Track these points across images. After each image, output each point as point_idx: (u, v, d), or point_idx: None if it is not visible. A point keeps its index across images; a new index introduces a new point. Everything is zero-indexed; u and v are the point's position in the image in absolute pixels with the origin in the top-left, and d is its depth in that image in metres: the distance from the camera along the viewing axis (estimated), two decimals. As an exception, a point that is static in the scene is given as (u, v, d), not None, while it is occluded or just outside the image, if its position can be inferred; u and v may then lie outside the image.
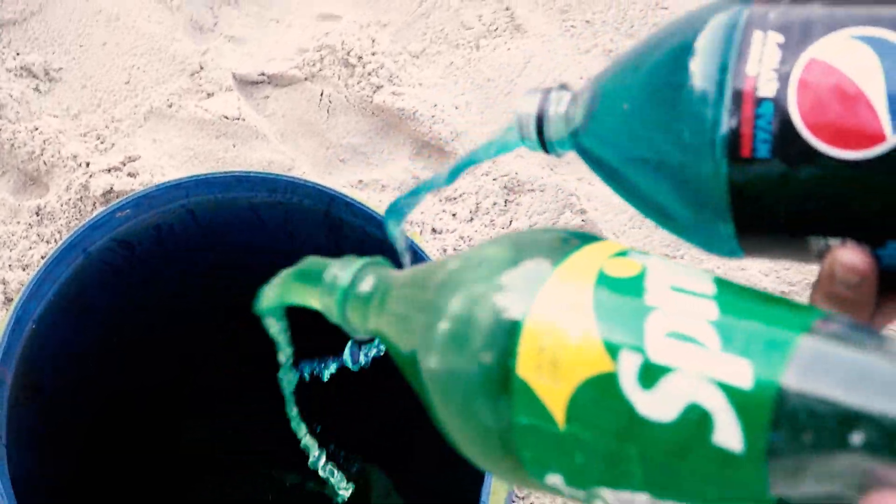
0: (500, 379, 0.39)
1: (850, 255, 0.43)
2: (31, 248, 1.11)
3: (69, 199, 1.13)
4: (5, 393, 0.87)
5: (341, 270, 0.50)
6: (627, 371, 0.36)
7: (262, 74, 1.30)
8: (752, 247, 0.47)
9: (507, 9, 1.39)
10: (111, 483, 1.11)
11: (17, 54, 1.27)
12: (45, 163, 1.16)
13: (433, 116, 1.25)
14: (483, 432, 0.41)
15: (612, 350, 0.37)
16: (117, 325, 1.03)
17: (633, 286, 0.38)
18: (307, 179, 0.98)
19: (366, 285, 0.49)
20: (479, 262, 0.42)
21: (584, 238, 0.42)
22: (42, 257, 1.11)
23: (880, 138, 0.40)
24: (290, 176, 0.98)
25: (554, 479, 0.40)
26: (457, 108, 1.28)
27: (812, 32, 0.42)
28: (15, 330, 0.88)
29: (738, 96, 0.42)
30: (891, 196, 0.42)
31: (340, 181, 1.17)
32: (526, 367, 0.38)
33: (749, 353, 0.35)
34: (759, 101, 0.42)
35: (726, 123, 0.42)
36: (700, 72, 0.44)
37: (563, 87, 0.51)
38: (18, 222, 1.13)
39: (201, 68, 1.26)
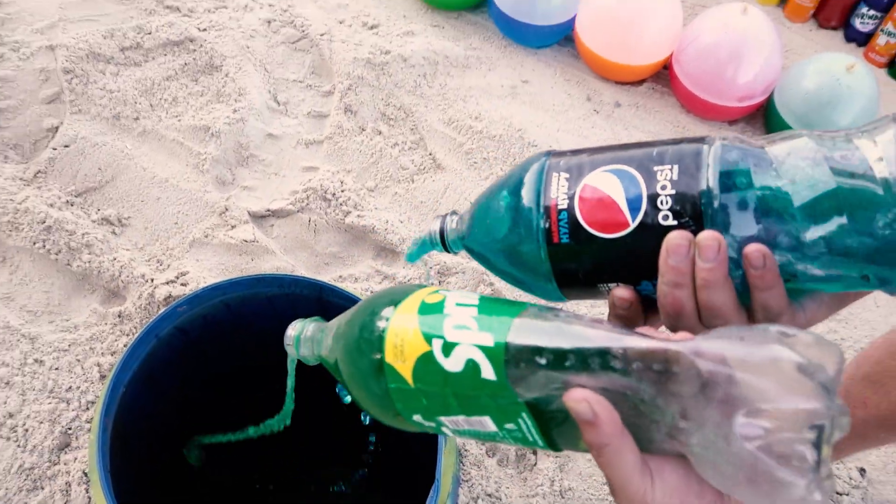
0: (379, 366, 0.49)
1: (620, 292, 0.52)
2: (116, 340, 1.14)
3: (141, 305, 1.16)
4: (107, 437, 0.88)
5: (291, 329, 0.63)
6: (436, 348, 0.47)
7: (268, 210, 1.34)
8: (570, 294, 0.55)
9: (430, 154, 1.45)
10: None
11: (98, 210, 1.28)
12: (122, 282, 1.20)
13: (386, 229, 1.30)
14: (376, 397, 0.51)
15: (428, 339, 0.47)
16: (177, 390, 1.03)
17: (438, 306, 0.49)
18: (304, 276, 0.98)
19: (307, 332, 0.62)
20: (365, 307, 0.52)
21: (418, 287, 0.53)
22: (125, 345, 1.11)
23: (626, 225, 0.49)
24: (293, 275, 1.01)
25: (417, 417, 0.50)
26: (401, 222, 1.34)
27: (583, 171, 0.51)
28: (112, 392, 0.91)
29: (547, 209, 0.52)
30: (636, 257, 0.49)
31: (326, 277, 1.22)
32: (389, 357, 0.49)
33: (491, 329, 0.45)
34: (560, 211, 0.51)
35: (543, 224, 0.52)
36: (526, 198, 0.53)
37: (454, 212, 0.62)
38: (106, 323, 1.16)
39: (226, 210, 1.30)
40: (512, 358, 0.44)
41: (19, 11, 1.54)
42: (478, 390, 0.45)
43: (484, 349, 0.44)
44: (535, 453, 1.12)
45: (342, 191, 1.35)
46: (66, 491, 0.99)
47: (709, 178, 0.46)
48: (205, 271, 1.23)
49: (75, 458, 1.02)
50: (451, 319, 0.47)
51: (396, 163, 1.43)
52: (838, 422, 0.37)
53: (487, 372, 0.44)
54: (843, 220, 0.43)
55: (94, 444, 0.82)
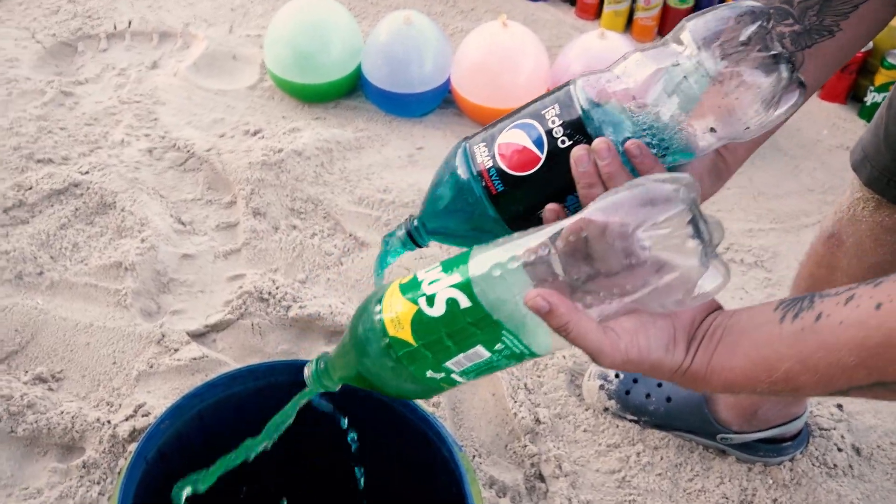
0: (387, 344, 0.64)
1: (549, 206, 0.67)
2: (87, 490, 1.18)
3: (104, 449, 1.20)
4: None
5: (307, 369, 0.77)
6: (422, 304, 0.62)
7: (207, 326, 1.42)
8: (518, 228, 0.68)
9: (351, 235, 1.54)
10: None
11: (27, 371, 1.32)
12: (76, 432, 1.23)
13: (332, 313, 1.39)
14: (392, 373, 0.66)
15: (414, 301, 0.63)
16: None
17: (412, 280, 0.64)
18: (279, 360, 1.00)
19: (320, 366, 0.76)
20: (357, 316, 0.68)
21: (389, 283, 0.68)
22: (100, 493, 1.12)
23: (539, 159, 0.67)
24: (267, 362, 1.03)
25: (429, 373, 0.65)
26: (343, 303, 1.43)
27: (494, 136, 0.70)
28: None
29: (480, 173, 0.70)
30: (555, 179, 0.67)
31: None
32: (391, 330, 0.64)
33: (456, 271, 0.61)
34: (489, 169, 0.69)
35: (481, 184, 0.70)
36: (462, 173, 0.71)
37: (411, 216, 0.78)
38: (71, 478, 1.18)
39: (163, 336, 1.37)
40: (477, 280, 0.59)
41: None
42: (462, 321, 0.60)
43: (456, 286, 0.60)
44: (543, 481, 1.19)
45: (276, 288, 1.41)
46: None
47: (581, 104, 0.65)
48: (160, 399, 1.27)
49: None
50: (425, 282, 0.62)
51: (320, 251, 1.52)
52: (713, 224, 0.56)
53: (464, 301, 0.60)
54: (674, 99, 0.63)
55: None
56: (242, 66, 2.01)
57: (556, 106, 0.66)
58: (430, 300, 0.61)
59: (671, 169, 0.67)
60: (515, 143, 0.67)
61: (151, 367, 1.31)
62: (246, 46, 2.05)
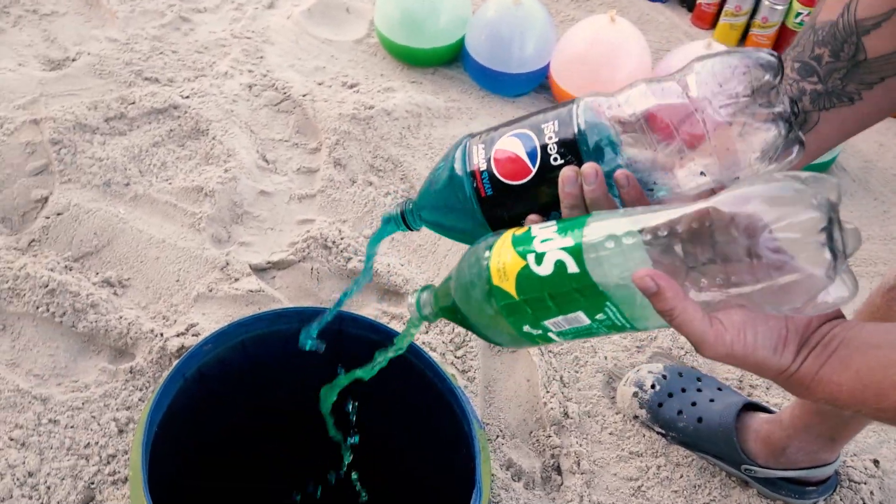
0: (489, 291, 0.64)
1: (532, 217, 0.68)
2: (129, 395, 1.21)
3: (152, 359, 1.24)
4: (146, 472, 0.90)
5: (411, 298, 0.77)
6: (531, 261, 0.61)
7: (269, 263, 1.43)
8: None
9: None
10: None
11: (97, 273, 1.35)
12: (130, 339, 1.28)
13: (389, 272, 1.39)
14: (491, 320, 0.66)
15: (523, 255, 0.62)
16: (200, 427, 1.07)
17: (525, 234, 0.63)
18: (325, 307, 1.01)
19: (423, 297, 0.76)
20: (467, 256, 0.68)
21: (503, 231, 0.68)
22: (140, 399, 1.16)
23: (529, 171, 0.68)
24: (313, 307, 1.05)
25: (526, 328, 0.64)
26: (402, 265, 1.43)
27: (494, 140, 0.71)
28: (149, 431, 0.96)
29: (473, 173, 0.71)
30: (542, 193, 0.68)
31: (335, 321, 1.26)
32: (496, 279, 0.63)
33: (570, 234, 0.60)
34: (482, 172, 0.70)
35: (472, 184, 0.71)
36: (458, 169, 0.72)
37: (409, 199, 0.80)
38: (117, 380, 1.22)
39: (227, 264, 1.39)
40: (589, 247, 0.58)
41: None
42: (567, 285, 0.59)
43: (566, 249, 0.59)
44: (559, 474, 1.19)
45: (341, 238, 1.43)
46: (96, 543, 1.03)
47: (579, 125, 0.65)
48: (213, 323, 1.30)
49: (102, 511, 1.06)
50: (537, 238, 0.62)
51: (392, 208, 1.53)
52: (850, 233, 0.53)
53: (572, 266, 0.58)
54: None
55: (139, 479, 0.87)
56: (353, 20, 2.02)
57: (556, 122, 0.66)
58: (539, 258, 0.60)
59: (656, 202, 0.65)
60: (511, 151, 0.68)
61: (210, 290, 1.35)
62: (361, 0, 2.07)
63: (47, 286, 1.29)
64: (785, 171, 0.54)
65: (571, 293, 0.59)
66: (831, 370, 0.56)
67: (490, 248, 0.65)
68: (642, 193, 0.63)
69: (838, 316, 0.60)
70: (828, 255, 0.50)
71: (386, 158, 1.62)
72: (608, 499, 1.16)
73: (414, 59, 1.87)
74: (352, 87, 1.79)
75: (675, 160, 0.62)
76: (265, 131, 1.68)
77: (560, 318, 0.61)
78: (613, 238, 0.57)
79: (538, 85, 1.86)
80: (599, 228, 0.58)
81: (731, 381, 1.31)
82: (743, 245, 0.51)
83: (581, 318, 0.60)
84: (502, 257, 0.63)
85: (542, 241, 0.61)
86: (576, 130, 0.65)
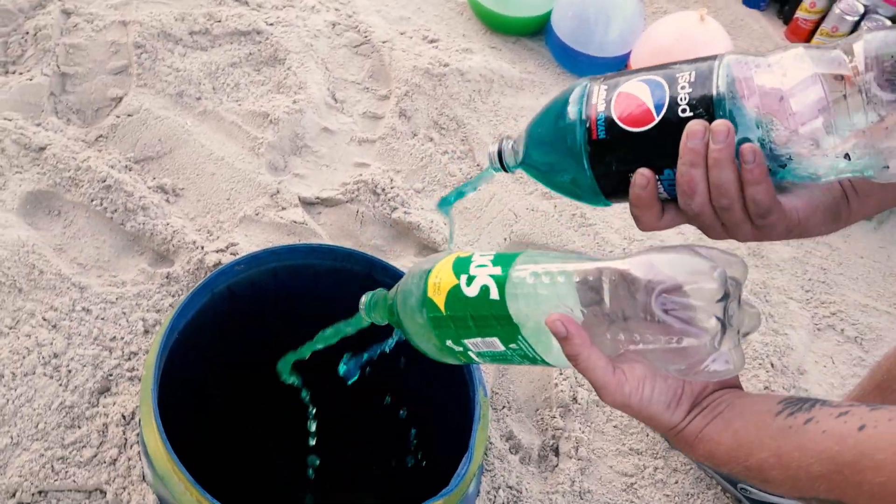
0: (423, 300, 0.67)
1: (642, 170, 0.61)
2: (162, 299, 1.21)
3: (189, 269, 1.24)
4: (159, 376, 0.91)
5: (365, 297, 0.80)
6: (462, 281, 0.64)
7: (318, 198, 1.42)
8: (605, 186, 0.65)
9: (479, 165, 1.52)
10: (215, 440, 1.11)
11: (154, 178, 1.36)
12: (173, 246, 1.27)
13: (431, 228, 1.37)
14: (421, 329, 0.68)
15: (457, 275, 0.65)
16: (223, 339, 1.07)
17: (467, 258, 0.66)
18: (358, 250, 1.00)
19: (375, 298, 0.78)
20: (414, 268, 0.70)
21: (452, 252, 0.70)
22: (171, 305, 1.18)
23: (652, 119, 0.60)
24: (347, 248, 1.04)
25: (449, 342, 0.66)
26: (445, 224, 1.40)
27: (619, 83, 0.63)
28: (168, 337, 0.96)
29: (588, 114, 0.63)
30: (660, 146, 0.60)
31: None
32: (430, 292, 0.66)
33: (500, 265, 0.63)
34: (598, 113, 0.62)
35: (585, 125, 0.63)
36: (571, 108, 0.64)
37: (509, 137, 0.74)
38: (153, 283, 1.22)
39: (278, 192, 1.38)
40: (512, 280, 0.61)
41: (98, -14, 1.64)
42: (487, 311, 0.62)
43: (493, 277, 0.62)
44: (556, 455, 1.17)
45: (391, 187, 1.42)
46: (103, 431, 1.05)
47: (719, 82, 0.57)
48: (252, 246, 1.30)
49: (114, 403, 1.08)
50: (474, 263, 0.65)
51: (445, 169, 1.51)
52: (749, 314, 0.55)
53: (494, 294, 0.61)
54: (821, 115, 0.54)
55: (150, 379, 0.88)
56: (447, -23, 1.99)
57: (693, 74, 0.58)
58: (470, 280, 0.63)
59: (781, 189, 0.60)
60: (636, 96, 0.60)
61: (257, 214, 1.35)
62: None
63: (105, 182, 1.30)
64: (697, 246, 0.55)
65: (490, 319, 0.62)
66: (713, 429, 0.58)
67: (435, 264, 0.68)
68: (766, 174, 0.57)
69: (735, 385, 0.61)
70: (715, 325, 0.51)
71: (451, 118, 1.60)
72: (599, 489, 1.14)
73: (498, 25, 1.83)
74: (432, 41, 1.76)
75: (819, 136, 0.55)
76: (339, 70, 1.66)
77: (479, 339, 0.64)
78: (535, 276, 0.59)
79: (616, 71, 1.80)
80: (526, 266, 0.61)
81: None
82: (641, 304, 0.54)
83: (496, 344, 0.63)
84: (441, 273, 0.66)
85: (478, 266, 0.64)
86: (715, 87, 0.57)
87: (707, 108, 0.57)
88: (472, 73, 1.66)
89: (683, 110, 0.58)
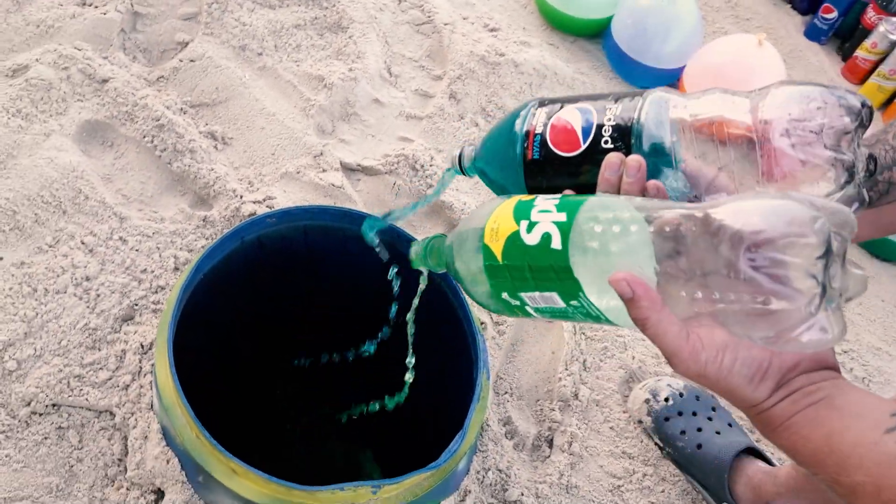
0: (479, 246, 0.61)
1: (568, 192, 0.61)
2: (196, 240, 1.22)
3: (226, 215, 1.24)
4: (179, 314, 0.91)
5: (416, 246, 0.77)
6: (522, 227, 0.57)
7: (359, 165, 1.41)
8: None
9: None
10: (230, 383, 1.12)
11: (206, 124, 1.36)
12: (214, 191, 1.28)
13: (462, 210, 1.36)
14: (474, 277, 0.63)
15: (517, 220, 0.58)
16: (248, 288, 1.08)
17: (529, 201, 0.60)
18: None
19: (432, 245, 0.75)
20: (475, 209, 0.65)
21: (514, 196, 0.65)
22: (203, 247, 1.18)
23: (578, 146, 0.64)
24: (378, 218, 1.03)
25: (505, 295, 0.60)
26: (476, 207, 1.36)
27: (558, 108, 0.67)
28: (194, 276, 0.96)
29: (527, 133, 0.67)
30: (583, 172, 0.64)
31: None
32: (487, 238, 0.60)
33: (566, 210, 0.56)
34: (536, 135, 0.66)
35: (523, 144, 0.67)
36: (517, 126, 0.68)
37: (471, 144, 0.77)
38: (190, 223, 1.23)
39: (321, 154, 1.38)
40: (577, 228, 0.53)
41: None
42: (547, 261, 0.54)
43: (557, 223, 0.55)
44: (550, 447, 1.16)
45: (430, 165, 1.41)
46: (121, 357, 1.07)
47: (640, 116, 0.60)
48: (289, 202, 1.31)
49: (135, 332, 1.09)
50: (537, 208, 0.58)
51: (485, 155, 1.50)
52: (854, 277, 0.45)
53: (556, 242, 0.54)
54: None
55: (169, 313, 0.89)
56: (517, -31, 1.97)
57: (620, 106, 0.62)
58: (531, 226, 0.56)
59: None
60: (567, 121, 0.64)
61: (298, 173, 1.35)
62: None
63: (158, 121, 1.31)
64: (798, 194, 0.46)
65: (549, 271, 0.54)
66: (804, 421, 0.50)
67: (495, 207, 0.61)
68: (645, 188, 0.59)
69: (833, 367, 0.53)
70: (814, 286, 0.43)
71: (499, 106, 1.58)
72: (586, 486, 1.13)
73: (559, 23, 1.81)
74: (492, 30, 1.74)
75: (725, 177, 0.56)
76: (399, 46, 1.66)
77: (537, 294, 0.57)
78: (609, 222, 0.51)
79: (668, 84, 1.77)
80: (598, 210, 0.53)
81: (745, 422, 1.25)
82: (725, 258, 0.45)
83: (556, 300, 0.56)
84: (500, 218, 0.59)
85: (540, 211, 0.56)
86: (635, 119, 0.60)
87: (626, 139, 0.61)
88: (527, 65, 1.64)
89: (606, 141, 0.62)
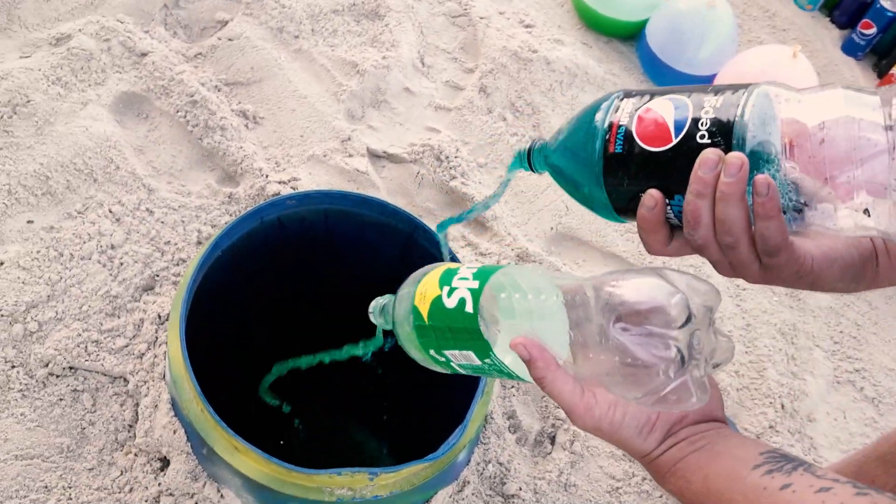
0: (411, 307, 0.65)
1: (652, 191, 0.56)
2: (220, 216, 1.21)
3: (251, 193, 1.24)
4: (194, 289, 0.90)
5: (374, 303, 0.75)
6: (444, 292, 0.61)
7: (385, 153, 1.40)
8: (615, 201, 0.60)
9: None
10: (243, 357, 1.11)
11: (239, 102, 1.36)
12: (241, 169, 1.27)
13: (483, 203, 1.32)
14: (408, 336, 0.66)
15: (440, 286, 0.62)
16: (268, 268, 1.07)
17: (454, 269, 0.64)
18: (405, 210, 0.99)
19: (382, 303, 0.75)
20: (411, 277, 0.68)
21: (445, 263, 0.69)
22: (226, 223, 1.17)
23: (669, 140, 0.55)
24: (396, 206, 1.02)
25: (432, 352, 0.64)
26: (498, 203, 1.35)
27: (647, 99, 0.58)
28: (211, 252, 0.97)
29: (611, 125, 0.58)
30: (672, 169, 0.55)
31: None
32: (417, 300, 0.64)
33: (479, 279, 0.60)
34: (619, 126, 0.58)
35: (605, 136, 0.58)
36: (598, 117, 0.60)
37: (541, 137, 0.67)
38: (216, 199, 1.23)
39: (349, 139, 1.36)
40: (484, 294, 0.58)
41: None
42: (462, 324, 0.59)
43: (470, 290, 0.59)
44: (552, 444, 1.14)
45: (455, 156, 1.39)
46: (139, 326, 1.06)
47: (744, 111, 0.51)
48: (313, 184, 1.30)
49: (154, 302, 1.09)
50: (458, 275, 0.62)
51: (511, 150, 1.47)
52: (720, 343, 0.49)
53: (469, 307, 0.58)
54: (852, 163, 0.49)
55: (184, 287, 0.88)
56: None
57: (721, 99, 0.53)
58: (451, 292, 0.61)
59: (794, 231, 0.54)
60: (658, 113, 0.55)
61: (325, 156, 1.34)
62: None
63: (192, 97, 1.30)
64: (668, 269, 0.51)
65: (465, 332, 0.58)
66: (686, 467, 0.53)
67: (427, 272, 0.65)
68: (779, 212, 0.50)
69: (719, 420, 0.56)
70: (676, 354, 0.47)
71: (528, 102, 1.55)
72: (584, 485, 1.11)
73: (594, 23, 1.77)
74: (527, 26, 1.71)
75: (841, 186, 0.49)
76: (433, 37, 1.63)
77: (457, 351, 0.61)
78: (509, 292, 0.55)
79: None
80: (504, 280, 0.57)
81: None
82: (597, 326, 0.50)
83: (473, 358, 0.59)
84: (429, 283, 0.63)
85: (460, 279, 0.61)
86: (738, 114, 0.51)
87: (727, 136, 0.52)
88: (558, 63, 1.61)
89: (702, 136, 0.53)
